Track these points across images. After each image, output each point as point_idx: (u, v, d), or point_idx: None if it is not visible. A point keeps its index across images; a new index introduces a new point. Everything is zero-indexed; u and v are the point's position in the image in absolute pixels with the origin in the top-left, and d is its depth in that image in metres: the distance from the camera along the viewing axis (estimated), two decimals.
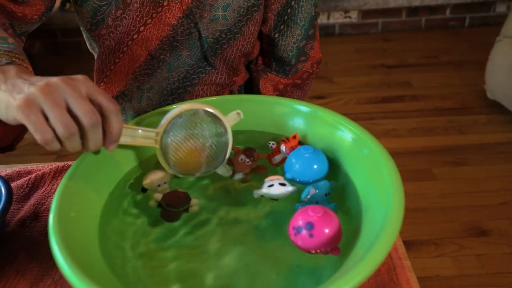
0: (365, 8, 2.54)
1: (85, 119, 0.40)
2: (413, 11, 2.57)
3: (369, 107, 2.00)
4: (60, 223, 0.41)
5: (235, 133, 0.52)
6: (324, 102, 2.02)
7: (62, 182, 0.45)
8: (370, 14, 2.58)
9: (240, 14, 0.70)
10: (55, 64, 2.52)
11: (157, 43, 0.71)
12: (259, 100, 0.60)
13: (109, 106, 0.42)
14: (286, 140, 0.54)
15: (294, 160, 0.50)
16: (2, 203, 0.52)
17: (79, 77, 0.43)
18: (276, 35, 0.78)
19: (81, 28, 0.75)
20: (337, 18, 2.60)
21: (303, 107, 0.56)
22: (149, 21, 0.69)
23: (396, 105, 1.99)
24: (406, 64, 2.29)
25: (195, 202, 0.49)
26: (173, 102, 0.77)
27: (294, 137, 0.54)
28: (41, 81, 0.41)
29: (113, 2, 0.68)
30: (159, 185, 0.50)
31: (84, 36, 0.78)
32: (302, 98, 0.88)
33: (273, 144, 0.56)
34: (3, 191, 0.54)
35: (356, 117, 1.95)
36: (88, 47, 0.79)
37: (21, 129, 0.59)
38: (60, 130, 0.39)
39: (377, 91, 2.09)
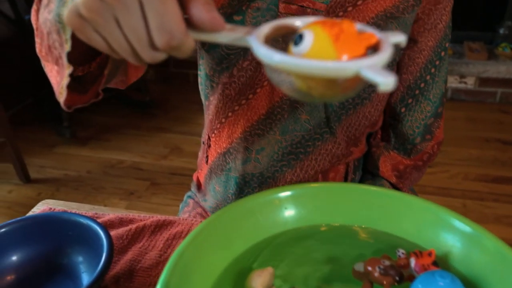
0: (484, 75, 2.37)
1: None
2: None
3: (478, 185, 1.82)
4: None
5: (359, 230, 0.45)
6: (428, 172, 1.87)
7: (173, 258, 0.41)
8: (489, 82, 2.40)
9: None
10: (163, 91, 2.64)
11: (277, 100, 0.67)
12: (400, 198, 0.51)
13: None
14: (418, 254, 0.45)
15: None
16: (102, 262, 0.49)
17: None
18: (403, 110, 0.71)
19: (200, 72, 0.74)
20: (451, 82, 2.45)
21: (459, 223, 0.47)
22: None
23: (511, 188, 1.79)
24: None
25: None
26: (281, 169, 0.72)
27: (430, 254, 0.45)
28: None
29: (241, 52, 0.66)
30: None
31: (201, 80, 0.76)
32: (417, 180, 0.80)
33: (402, 253, 0.48)
34: (105, 247, 0.51)
35: (462, 194, 1.77)
36: (201, 91, 0.77)
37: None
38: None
39: (489, 169, 1.90)
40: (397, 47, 0.34)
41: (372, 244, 0.50)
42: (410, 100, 0.71)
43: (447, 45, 0.69)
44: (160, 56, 0.35)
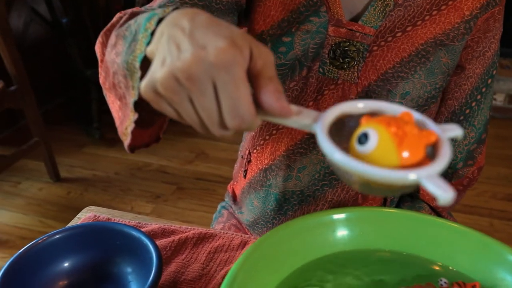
0: None
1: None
2: None
3: (506, 204, 1.79)
4: None
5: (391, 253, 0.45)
6: None
7: (227, 280, 0.42)
8: None
9: (418, 104, 0.66)
10: None
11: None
12: (451, 228, 0.51)
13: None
14: (462, 285, 0.46)
15: None
16: (153, 274, 0.51)
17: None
18: None
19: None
20: None
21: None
22: (319, 97, 0.67)
23: None
24: None
25: None
26: (322, 188, 0.73)
27: (474, 286, 0.46)
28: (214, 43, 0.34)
29: (289, 73, 0.67)
30: None
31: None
32: (456, 203, 0.80)
33: (445, 282, 0.49)
34: (154, 260, 0.53)
35: (490, 213, 1.75)
36: None
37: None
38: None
39: None
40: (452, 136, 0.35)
41: (416, 271, 0.51)
42: None
43: (494, 72, 0.69)
44: (229, 133, 0.37)
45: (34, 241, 0.55)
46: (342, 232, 0.50)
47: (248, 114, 0.34)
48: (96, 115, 2.25)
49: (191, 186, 2.00)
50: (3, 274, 0.52)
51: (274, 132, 0.73)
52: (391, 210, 0.52)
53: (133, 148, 0.52)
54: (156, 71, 0.35)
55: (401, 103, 0.65)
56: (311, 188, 0.73)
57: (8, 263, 0.53)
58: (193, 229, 0.67)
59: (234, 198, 0.88)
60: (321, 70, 0.66)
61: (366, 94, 0.65)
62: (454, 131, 0.35)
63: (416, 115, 0.35)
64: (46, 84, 2.43)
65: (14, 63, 1.67)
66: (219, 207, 0.94)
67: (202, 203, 1.89)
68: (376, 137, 0.32)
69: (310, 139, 0.70)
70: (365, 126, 0.33)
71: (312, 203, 0.74)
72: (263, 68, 0.35)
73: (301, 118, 0.36)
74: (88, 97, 2.25)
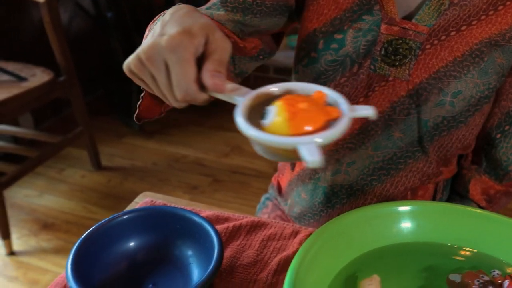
0: None
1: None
2: None
3: None
4: None
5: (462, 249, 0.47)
6: None
7: (293, 265, 0.45)
8: None
9: (470, 103, 0.66)
10: None
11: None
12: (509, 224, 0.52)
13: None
14: None
15: None
16: (216, 257, 0.54)
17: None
18: (498, 136, 0.72)
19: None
20: None
21: None
22: (370, 93, 0.68)
23: None
24: None
25: None
26: (371, 182, 0.74)
27: None
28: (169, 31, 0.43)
29: (340, 69, 0.68)
30: None
31: None
32: (505, 205, 0.80)
33: (498, 274, 0.50)
34: (216, 243, 0.56)
35: None
36: None
37: None
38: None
39: None
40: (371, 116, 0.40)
41: (469, 262, 0.52)
42: (507, 127, 0.71)
43: None
44: (182, 104, 0.46)
45: (103, 220, 0.59)
46: (404, 224, 0.51)
47: (190, 88, 0.42)
48: (136, 106, 2.31)
49: (227, 179, 2.04)
50: (75, 250, 0.55)
51: None
52: (454, 206, 0.53)
53: (139, 118, 0.62)
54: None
55: (452, 102, 0.65)
56: (360, 182, 0.75)
57: (79, 240, 0.57)
58: (246, 217, 0.70)
59: (279, 190, 0.91)
60: (372, 67, 0.67)
61: (417, 92, 0.66)
62: (365, 110, 0.40)
63: (332, 94, 0.40)
64: (89, 76, 2.51)
65: (63, 54, 1.74)
66: (263, 198, 0.97)
67: (238, 196, 1.92)
68: (274, 112, 0.38)
69: (359, 134, 0.71)
70: (272, 105, 0.39)
71: (361, 197, 0.75)
72: (213, 52, 0.43)
73: (233, 95, 0.43)
74: (128, 89, 2.32)
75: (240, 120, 0.39)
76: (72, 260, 0.54)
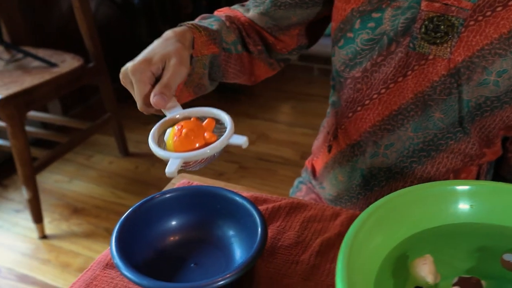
0: None
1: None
2: None
3: None
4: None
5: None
6: None
7: (348, 237, 0.43)
8: None
9: None
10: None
11: (410, 96, 0.68)
12: None
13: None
14: None
15: None
16: (259, 237, 0.53)
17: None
18: None
19: (335, 67, 0.76)
20: None
21: None
22: (409, 72, 0.66)
23: None
24: None
25: None
26: (410, 165, 0.72)
27: None
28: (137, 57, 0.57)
29: (376, 48, 0.67)
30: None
31: (331, 76, 0.79)
32: None
33: None
34: (259, 224, 0.55)
35: None
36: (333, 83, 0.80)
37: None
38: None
39: None
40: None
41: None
42: None
43: None
44: (145, 112, 0.59)
45: (147, 198, 0.59)
46: (461, 204, 0.49)
47: (139, 103, 0.56)
48: None
49: (253, 166, 2.03)
50: (119, 228, 0.55)
51: (359, 108, 0.73)
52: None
53: None
54: None
55: (497, 81, 0.63)
56: (399, 165, 0.73)
57: (122, 218, 0.57)
58: (284, 199, 0.69)
59: (314, 173, 0.89)
60: (411, 45, 0.65)
61: (458, 71, 0.64)
62: (238, 140, 0.49)
63: (226, 122, 0.52)
64: (115, 64, 2.53)
65: (92, 41, 1.75)
66: (296, 182, 0.96)
67: (264, 183, 1.92)
68: (168, 133, 0.51)
69: (398, 115, 0.70)
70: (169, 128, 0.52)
71: (400, 180, 0.74)
72: (164, 76, 0.55)
73: (167, 111, 0.55)
74: None
75: (150, 138, 0.50)
76: (116, 237, 0.54)
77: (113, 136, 2.08)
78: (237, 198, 0.59)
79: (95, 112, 2.30)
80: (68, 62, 1.65)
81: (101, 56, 1.79)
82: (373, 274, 0.44)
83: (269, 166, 2.03)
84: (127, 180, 1.95)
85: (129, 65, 0.55)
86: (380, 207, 0.47)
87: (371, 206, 0.47)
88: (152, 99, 0.53)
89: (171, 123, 0.52)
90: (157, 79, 0.56)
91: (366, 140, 0.74)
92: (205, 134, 0.50)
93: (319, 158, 0.87)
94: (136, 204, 0.59)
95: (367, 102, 0.72)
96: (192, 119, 0.51)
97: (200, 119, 0.54)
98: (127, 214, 0.57)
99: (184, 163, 0.47)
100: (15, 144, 1.47)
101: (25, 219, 1.72)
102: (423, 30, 0.64)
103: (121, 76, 0.56)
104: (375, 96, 0.71)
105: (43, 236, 1.64)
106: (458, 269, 0.47)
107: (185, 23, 0.65)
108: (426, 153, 0.72)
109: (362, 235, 0.44)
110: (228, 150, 2.13)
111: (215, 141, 0.48)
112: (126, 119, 2.30)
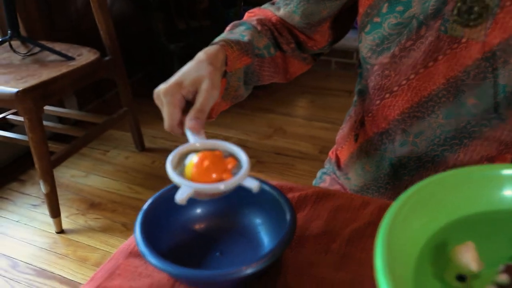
0: None
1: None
2: None
3: None
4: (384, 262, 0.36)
5: None
6: None
7: (385, 224, 0.41)
8: None
9: None
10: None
11: (442, 82, 0.65)
12: None
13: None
14: None
15: None
16: (289, 226, 0.50)
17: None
18: None
19: (361, 54, 0.73)
20: None
21: None
22: (440, 57, 0.63)
23: None
24: None
25: None
26: (442, 153, 0.69)
27: None
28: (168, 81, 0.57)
29: (405, 32, 0.64)
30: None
31: (358, 63, 0.76)
32: None
33: None
34: (288, 212, 0.53)
35: None
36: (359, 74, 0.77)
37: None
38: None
39: None
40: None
41: None
42: None
43: None
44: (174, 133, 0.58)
45: (171, 185, 0.57)
46: (505, 190, 0.46)
47: (171, 124, 0.55)
48: None
49: (271, 160, 2.01)
50: (143, 215, 0.54)
51: (387, 96, 0.70)
52: None
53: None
54: None
55: None
56: (430, 154, 0.70)
57: (147, 204, 0.55)
58: (310, 187, 0.67)
59: (338, 164, 0.87)
60: (442, 28, 0.62)
61: (494, 54, 0.60)
62: (250, 183, 0.49)
63: (244, 163, 0.51)
64: (130, 59, 2.53)
65: (109, 34, 1.74)
66: (319, 173, 0.93)
67: (282, 177, 1.89)
68: (189, 159, 0.51)
69: (428, 102, 0.67)
70: (191, 155, 0.51)
71: (431, 169, 0.71)
72: (197, 101, 0.55)
73: (194, 136, 0.54)
74: (170, 71, 2.32)
75: (168, 161, 0.50)
76: (140, 224, 0.52)
77: (129, 131, 2.07)
78: (264, 186, 0.57)
79: (111, 108, 2.30)
80: (84, 56, 1.65)
81: (117, 49, 1.78)
82: (412, 262, 0.41)
83: (287, 160, 2.01)
84: (144, 175, 1.94)
85: (162, 86, 0.56)
86: (418, 191, 0.44)
87: (408, 191, 0.44)
88: (189, 123, 0.54)
89: (192, 149, 0.52)
90: (188, 102, 0.57)
91: (394, 128, 0.71)
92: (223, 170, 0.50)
93: (344, 149, 0.84)
94: (160, 192, 0.57)
95: (395, 88, 0.69)
96: (216, 152, 0.51)
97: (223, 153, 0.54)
98: (150, 202, 0.55)
99: (195, 192, 0.47)
100: (32, 137, 1.47)
101: (43, 214, 1.72)
102: (455, 12, 0.60)
103: (154, 96, 0.57)
104: (404, 82, 0.68)
105: (61, 231, 1.64)
106: (502, 257, 0.44)
107: (217, 40, 0.65)
108: (458, 140, 0.68)
109: (400, 221, 0.41)
110: (245, 145, 2.12)
111: (229, 178, 0.49)
112: (142, 114, 2.29)
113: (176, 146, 0.52)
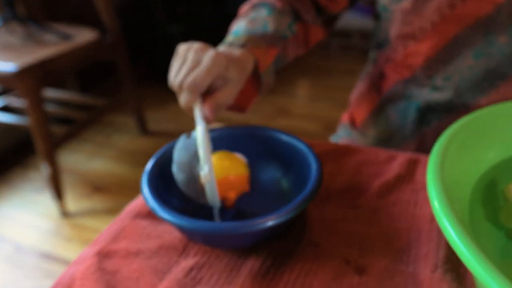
0: None
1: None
2: None
3: None
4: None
5: None
6: None
7: (433, 160, 0.36)
8: None
9: None
10: None
11: (472, 21, 0.60)
12: None
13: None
14: None
15: None
16: (315, 177, 0.46)
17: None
18: None
19: (380, 2, 0.68)
20: None
21: None
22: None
23: None
24: None
25: None
26: (473, 96, 0.64)
27: None
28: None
29: None
30: None
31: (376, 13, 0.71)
32: None
33: None
34: (314, 165, 0.48)
35: None
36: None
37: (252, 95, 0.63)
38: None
39: None
40: None
41: None
42: None
43: None
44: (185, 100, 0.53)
45: (180, 138, 0.52)
46: None
47: (202, 80, 0.50)
48: None
49: None
50: (151, 169, 0.49)
51: (410, 43, 0.66)
52: None
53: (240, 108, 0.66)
54: None
55: None
56: (460, 98, 0.65)
57: (153, 159, 0.50)
58: (328, 143, 0.62)
59: (354, 125, 0.82)
60: None
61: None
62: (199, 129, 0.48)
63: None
64: (132, 43, 2.47)
65: (109, 15, 1.68)
66: (332, 139, 0.89)
67: None
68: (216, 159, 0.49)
69: (455, 44, 0.62)
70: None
71: (462, 112, 0.66)
72: (219, 94, 0.53)
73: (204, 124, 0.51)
74: (171, 55, 2.26)
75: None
76: (148, 180, 0.47)
77: (131, 115, 2.02)
78: (284, 137, 0.52)
79: (113, 91, 2.25)
80: (84, 35, 1.59)
81: (119, 30, 1.73)
82: (465, 204, 0.36)
83: None
84: (148, 158, 1.88)
85: (213, 49, 0.51)
86: (465, 126, 0.39)
87: (453, 125, 0.39)
88: (209, 111, 0.52)
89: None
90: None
91: (420, 76, 0.67)
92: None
93: (360, 108, 0.79)
94: (167, 145, 0.52)
95: (419, 34, 0.64)
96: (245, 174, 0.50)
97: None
98: (157, 156, 0.50)
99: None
100: (33, 118, 1.42)
101: (46, 198, 1.68)
102: None
103: (184, 47, 0.52)
104: (428, 27, 0.63)
105: (65, 214, 1.60)
106: None
107: (243, 37, 0.58)
108: (488, 83, 0.63)
109: (448, 159, 0.36)
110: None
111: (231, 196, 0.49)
112: (144, 98, 2.24)
113: (181, 129, 0.48)
